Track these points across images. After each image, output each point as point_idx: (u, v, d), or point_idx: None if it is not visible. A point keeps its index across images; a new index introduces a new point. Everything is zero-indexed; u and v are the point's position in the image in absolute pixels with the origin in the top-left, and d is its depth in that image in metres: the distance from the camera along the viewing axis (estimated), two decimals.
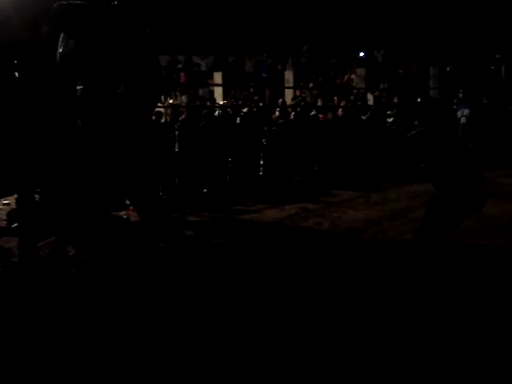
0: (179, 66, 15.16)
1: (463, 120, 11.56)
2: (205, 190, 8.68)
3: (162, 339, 3.80)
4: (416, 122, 4.96)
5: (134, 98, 5.46)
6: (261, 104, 11.80)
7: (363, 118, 11.39)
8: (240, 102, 11.76)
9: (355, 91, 13.82)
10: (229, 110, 10.27)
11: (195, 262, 5.53)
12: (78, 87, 5.50)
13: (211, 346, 3.72)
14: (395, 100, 13.05)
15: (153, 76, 5.63)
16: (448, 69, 15.93)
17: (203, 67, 16.19)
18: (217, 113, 9.77)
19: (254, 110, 10.28)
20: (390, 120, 12.02)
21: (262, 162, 9.72)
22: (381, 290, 4.71)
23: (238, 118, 9.70)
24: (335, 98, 12.66)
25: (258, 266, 5.40)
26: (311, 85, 14.63)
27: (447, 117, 5.22)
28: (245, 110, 9.80)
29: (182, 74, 14.80)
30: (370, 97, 13.68)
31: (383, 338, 3.82)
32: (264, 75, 15.28)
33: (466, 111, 11.68)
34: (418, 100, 11.91)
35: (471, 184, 4.62)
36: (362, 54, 18.48)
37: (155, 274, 5.11)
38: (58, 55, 5.17)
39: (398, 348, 3.69)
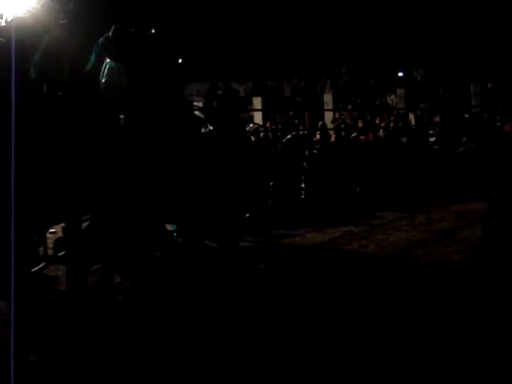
0: (219, 92, 15.30)
1: None
2: (247, 215, 8.67)
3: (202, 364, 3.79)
4: (464, 139, 4.86)
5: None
6: (301, 128, 11.79)
7: (402, 140, 11.28)
8: (280, 126, 11.78)
9: (395, 112, 13.72)
10: (270, 133, 10.29)
11: (239, 288, 5.51)
12: (121, 116, 5.61)
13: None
14: (437, 119, 12.91)
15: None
16: (489, 86, 15.72)
17: (241, 93, 16.32)
18: (253, 138, 9.75)
19: (295, 133, 10.26)
20: (433, 139, 11.88)
21: (303, 186, 9.68)
22: (428, 313, 4.62)
23: (280, 143, 9.70)
24: (377, 118, 12.59)
25: (303, 291, 5.35)
26: (350, 106, 14.60)
27: (495, 132, 5.12)
28: (289, 136, 9.78)
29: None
30: (411, 117, 13.55)
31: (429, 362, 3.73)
32: (298, 99, 15.29)
33: None
34: (466, 116, 11.72)
35: None
36: (400, 74, 18.39)
37: (198, 299, 5.12)
38: (103, 85, 5.28)
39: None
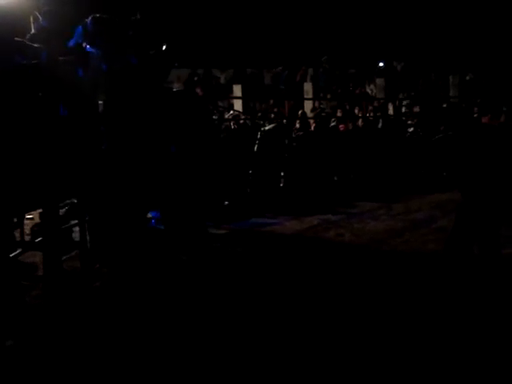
0: (195, 78, 15.22)
1: None
2: (226, 203, 8.68)
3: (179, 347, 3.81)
4: (441, 128, 4.94)
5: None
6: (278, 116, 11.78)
7: (378, 126, 11.35)
8: (259, 114, 11.77)
9: (375, 102, 13.78)
10: (248, 121, 10.28)
11: (215, 273, 5.53)
12: (100, 102, 5.59)
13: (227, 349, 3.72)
14: (415, 109, 12.99)
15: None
16: (468, 77, 15.84)
17: (222, 80, 16.26)
18: (232, 124, 9.74)
19: (277, 123, 10.25)
20: (411, 130, 11.96)
21: (282, 174, 9.71)
22: (403, 299, 4.68)
23: (259, 132, 9.70)
24: (356, 108, 12.63)
25: (278, 276, 5.39)
26: (329, 96, 14.61)
27: (471, 122, 5.18)
28: (271, 126, 9.78)
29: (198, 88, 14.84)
30: (390, 107, 13.61)
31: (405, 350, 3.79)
32: (282, 87, 15.29)
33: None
34: (444, 106, 11.77)
35: (498, 189, 4.57)
36: (381, 64, 18.44)
37: (175, 284, 5.13)
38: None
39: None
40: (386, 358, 3.70)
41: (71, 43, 5.45)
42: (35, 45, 4.75)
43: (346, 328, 4.18)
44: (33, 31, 5.05)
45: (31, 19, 4.73)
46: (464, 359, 3.66)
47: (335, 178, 10.47)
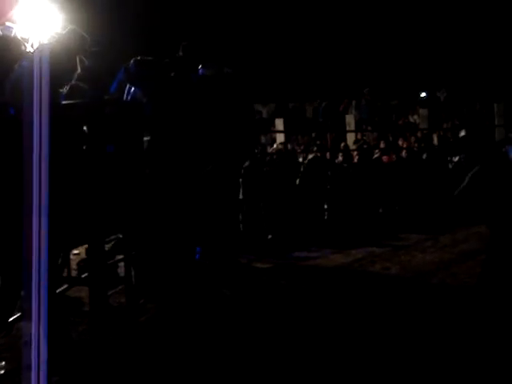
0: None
1: None
2: (269, 236, 8.67)
3: None
4: (461, 157, 4.82)
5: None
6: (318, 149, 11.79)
7: (423, 157, 11.22)
8: (302, 147, 11.80)
9: (419, 132, 13.67)
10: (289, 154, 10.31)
11: (258, 307, 5.50)
12: (145, 138, 5.70)
13: None
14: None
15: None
16: None
17: (264, 114, 16.39)
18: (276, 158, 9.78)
19: (316, 154, 10.27)
20: (456, 159, 11.79)
21: (326, 207, 9.66)
22: (452, 335, 4.56)
23: (302, 164, 9.72)
24: (400, 139, 12.55)
25: (323, 312, 5.32)
26: (369, 128, 14.58)
27: (496, 151, 5.03)
28: (310, 157, 9.81)
29: None
30: (434, 137, 13.50)
31: None
32: (321, 120, 15.33)
33: None
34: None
35: None
36: (423, 94, 18.35)
37: (218, 319, 5.12)
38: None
39: None
40: None
41: (114, 84, 5.60)
42: (81, 84, 4.87)
43: (389, 362, 4.09)
44: (79, 71, 5.18)
45: (77, 59, 4.85)
46: None
47: (380, 211, 10.36)
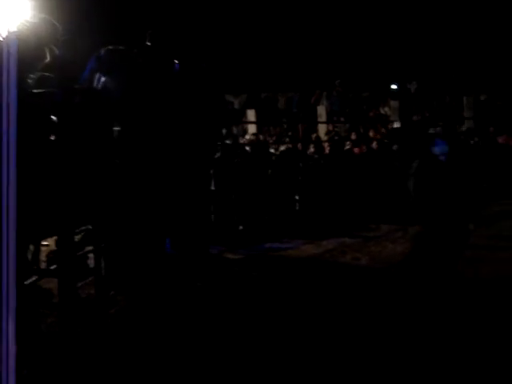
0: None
1: None
2: (241, 227, 8.67)
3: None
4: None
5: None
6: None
7: (394, 148, 11.31)
8: (274, 138, 11.81)
9: (389, 124, 13.79)
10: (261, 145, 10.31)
11: (230, 300, 5.50)
12: (115, 128, 5.64)
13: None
14: (430, 131, 12.96)
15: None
16: (482, 98, 15.81)
17: (236, 105, 16.36)
18: (248, 149, 9.79)
19: (289, 146, 10.30)
20: None
21: (297, 198, 9.69)
22: (421, 325, 4.61)
23: (273, 156, 9.73)
24: (371, 131, 12.64)
25: (292, 299, 5.35)
26: (342, 119, 14.65)
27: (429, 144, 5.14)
28: (283, 148, 9.83)
29: None
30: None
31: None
32: (295, 111, 15.37)
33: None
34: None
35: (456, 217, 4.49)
36: (394, 86, 18.46)
37: (189, 310, 5.11)
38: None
39: None
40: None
41: (85, 73, 5.53)
42: (46, 74, 4.80)
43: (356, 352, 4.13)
44: (48, 59, 5.10)
45: (47, 48, 4.77)
46: None
47: (351, 202, 10.41)
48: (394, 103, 15.36)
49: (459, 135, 11.51)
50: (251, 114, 13.82)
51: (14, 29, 4.77)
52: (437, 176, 4.60)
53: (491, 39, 18.96)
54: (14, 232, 2.46)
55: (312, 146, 10.55)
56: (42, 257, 6.18)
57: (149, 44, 6.04)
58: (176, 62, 6.25)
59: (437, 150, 7.26)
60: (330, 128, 13.35)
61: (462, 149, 10.43)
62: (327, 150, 10.54)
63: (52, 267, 5.53)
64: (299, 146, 10.77)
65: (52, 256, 6.01)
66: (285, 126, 14.18)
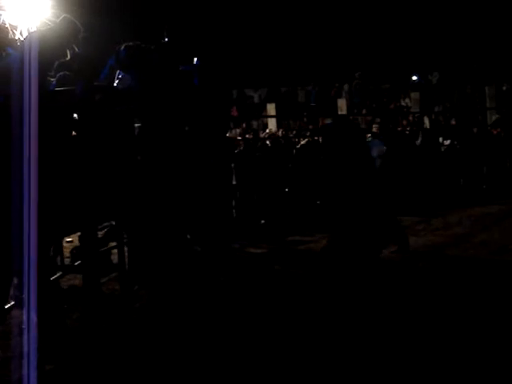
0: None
1: None
2: (262, 222, 8.68)
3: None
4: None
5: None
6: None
7: (417, 142, 11.22)
8: (294, 132, 11.80)
9: (410, 116, 13.68)
10: (281, 139, 10.30)
11: (254, 294, 5.51)
12: (136, 125, 5.68)
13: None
14: (453, 122, 12.84)
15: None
16: (504, 88, 15.62)
17: (256, 99, 16.36)
18: (269, 143, 9.78)
19: (309, 139, 10.26)
20: (447, 142, 11.80)
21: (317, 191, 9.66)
22: (444, 318, 4.59)
23: (294, 149, 9.71)
24: (390, 123, 12.54)
25: (319, 297, 5.34)
26: (364, 111, 14.57)
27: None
28: (303, 142, 9.80)
29: (233, 108, 14.98)
30: (425, 120, 13.50)
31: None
32: (313, 104, 15.32)
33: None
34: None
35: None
36: (415, 78, 18.33)
37: (213, 305, 5.13)
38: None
39: None
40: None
41: (105, 70, 5.57)
42: (67, 72, 4.84)
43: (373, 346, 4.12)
44: (68, 58, 5.15)
45: (67, 48, 4.82)
46: None
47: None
48: (414, 95, 15.25)
49: (398, 134, 11.09)
50: (271, 108, 13.80)
51: (34, 29, 4.84)
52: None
53: None
54: (35, 228, 2.49)
55: None
56: (66, 253, 6.27)
57: (166, 40, 6.06)
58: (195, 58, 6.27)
59: (373, 151, 6.92)
60: None
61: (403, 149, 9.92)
62: None
63: (76, 263, 5.60)
64: (320, 139, 10.73)
65: (76, 252, 6.08)
66: (305, 120, 14.13)
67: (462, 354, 3.88)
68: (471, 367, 3.68)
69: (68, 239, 6.95)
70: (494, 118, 13.79)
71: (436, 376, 3.61)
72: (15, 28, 5.03)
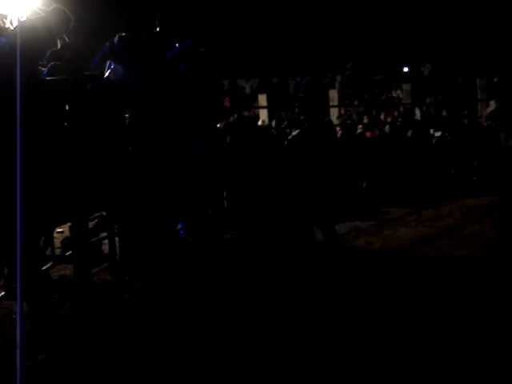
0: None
1: None
2: (255, 213, 8.66)
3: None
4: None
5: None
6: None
7: (408, 134, 11.24)
8: (285, 123, 11.79)
9: (401, 107, 13.71)
10: (273, 130, 10.30)
11: (246, 285, 5.52)
12: (127, 115, 5.67)
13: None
14: (444, 114, 12.87)
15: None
16: (495, 79, 15.65)
17: (248, 90, 16.33)
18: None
19: (300, 130, 10.25)
20: (438, 134, 11.83)
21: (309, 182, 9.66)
22: (434, 310, 4.61)
23: (285, 140, 9.70)
24: (382, 114, 12.57)
25: (309, 288, 5.36)
26: (356, 102, 14.57)
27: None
28: (294, 133, 9.79)
29: (226, 99, 14.95)
30: (417, 112, 13.53)
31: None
32: (301, 95, 15.30)
33: None
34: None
35: None
36: (406, 69, 18.34)
37: (205, 296, 5.14)
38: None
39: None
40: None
41: (96, 58, 5.55)
42: (57, 62, 4.82)
43: (367, 338, 4.14)
44: (58, 47, 5.12)
45: (57, 37, 4.80)
46: None
47: (364, 185, 10.38)
48: (406, 86, 15.26)
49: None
50: (262, 99, 13.77)
51: (24, 18, 4.80)
52: None
53: (504, 20, 18.73)
54: (22, 219, 2.48)
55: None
56: (57, 243, 6.25)
57: (158, 30, 6.03)
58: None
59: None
60: (342, 112, 13.29)
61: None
62: (339, 134, 10.49)
63: (67, 253, 5.59)
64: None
65: (67, 242, 6.07)
66: (296, 111, 14.12)
67: (455, 349, 3.91)
68: (468, 365, 3.71)
69: (59, 229, 6.93)
70: (489, 109, 13.80)
71: (434, 375, 3.64)
72: (5, 17, 5.00)
